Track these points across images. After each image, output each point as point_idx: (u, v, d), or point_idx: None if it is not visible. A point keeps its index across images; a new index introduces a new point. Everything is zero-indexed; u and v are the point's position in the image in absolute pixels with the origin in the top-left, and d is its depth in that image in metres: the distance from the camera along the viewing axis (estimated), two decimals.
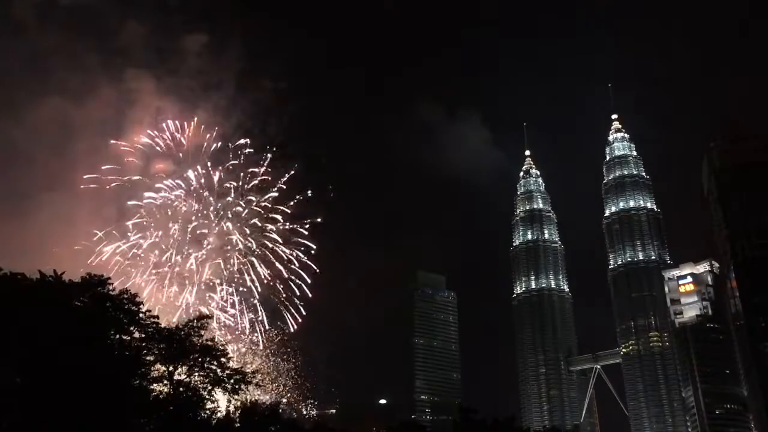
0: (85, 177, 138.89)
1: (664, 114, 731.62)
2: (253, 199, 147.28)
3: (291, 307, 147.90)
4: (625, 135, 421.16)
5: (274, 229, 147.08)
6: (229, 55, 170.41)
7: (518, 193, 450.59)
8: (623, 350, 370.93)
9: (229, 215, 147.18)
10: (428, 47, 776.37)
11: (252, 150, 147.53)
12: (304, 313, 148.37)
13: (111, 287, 57.42)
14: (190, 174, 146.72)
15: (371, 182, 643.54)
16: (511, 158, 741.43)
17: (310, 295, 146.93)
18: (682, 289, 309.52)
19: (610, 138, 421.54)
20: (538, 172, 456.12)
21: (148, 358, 58.46)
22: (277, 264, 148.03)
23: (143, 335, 58.78)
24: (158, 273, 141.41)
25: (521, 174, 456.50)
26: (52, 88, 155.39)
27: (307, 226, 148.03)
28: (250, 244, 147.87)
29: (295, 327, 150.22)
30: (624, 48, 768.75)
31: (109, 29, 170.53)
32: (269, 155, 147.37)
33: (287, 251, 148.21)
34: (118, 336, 56.94)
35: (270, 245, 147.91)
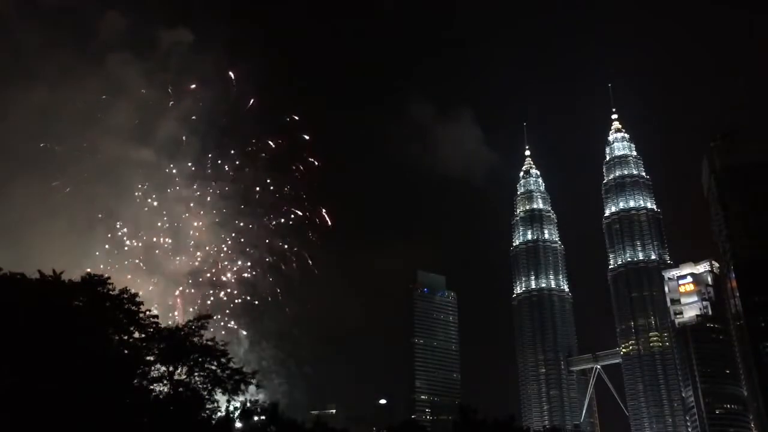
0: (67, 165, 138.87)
1: (664, 114, 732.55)
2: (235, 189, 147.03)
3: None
4: (625, 135, 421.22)
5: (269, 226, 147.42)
6: (214, 52, 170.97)
7: (518, 192, 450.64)
8: (623, 350, 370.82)
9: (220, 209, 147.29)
10: (427, 47, 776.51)
11: (240, 149, 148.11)
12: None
13: (111, 287, 57.36)
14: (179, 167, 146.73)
15: (370, 182, 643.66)
16: (510, 158, 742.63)
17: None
18: (682, 289, 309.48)
19: (610, 138, 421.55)
20: (538, 172, 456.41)
21: (148, 358, 58.37)
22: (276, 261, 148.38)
23: (143, 335, 58.70)
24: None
25: (521, 174, 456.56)
26: (34, 79, 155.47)
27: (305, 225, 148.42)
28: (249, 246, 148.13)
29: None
30: (624, 48, 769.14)
31: (91, 23, 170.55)
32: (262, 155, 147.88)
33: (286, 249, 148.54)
34: (118, 336, 56.90)
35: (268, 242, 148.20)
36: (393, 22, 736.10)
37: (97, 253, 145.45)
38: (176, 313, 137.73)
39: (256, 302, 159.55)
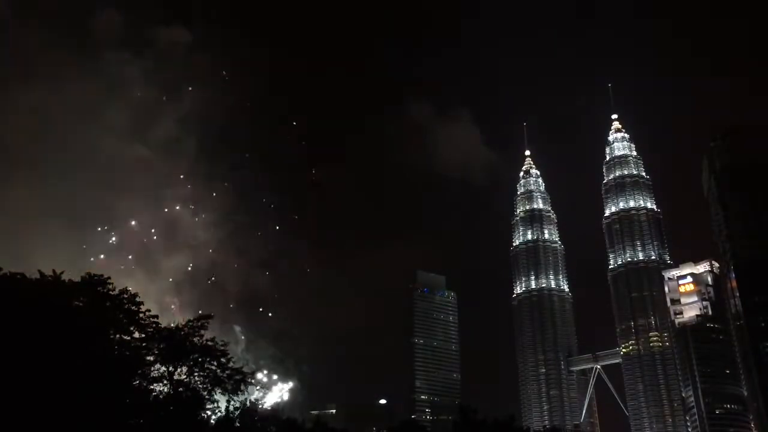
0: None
1: (664, 114, 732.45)
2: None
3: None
4: (625, 135, 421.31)
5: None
6: (212, 51, 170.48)
7: (518, 193, 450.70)
8: (623, 350, 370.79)
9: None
10: (427, 47, 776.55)
11: (237, 149, 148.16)
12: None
13: (111, 287, 57.31)
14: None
15: (369, 183, 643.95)
16: (510, 158, 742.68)
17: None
18: (682, 289, 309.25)
19: (610, 138, 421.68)
20: (538, 172, 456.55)
21: (148, 358, 58.33)
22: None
23: (143, 335, 58.67)
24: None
25: (521, 174, 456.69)
26: (31, 78, 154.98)
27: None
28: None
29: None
30: (624, 48, 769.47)
31: (89, 22, 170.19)
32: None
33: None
34: (118, 336, 56.86)
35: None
36: (393, 21, 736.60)
37: (95, 252, 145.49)
38: (173, 312, 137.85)
39: (255, 301, 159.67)
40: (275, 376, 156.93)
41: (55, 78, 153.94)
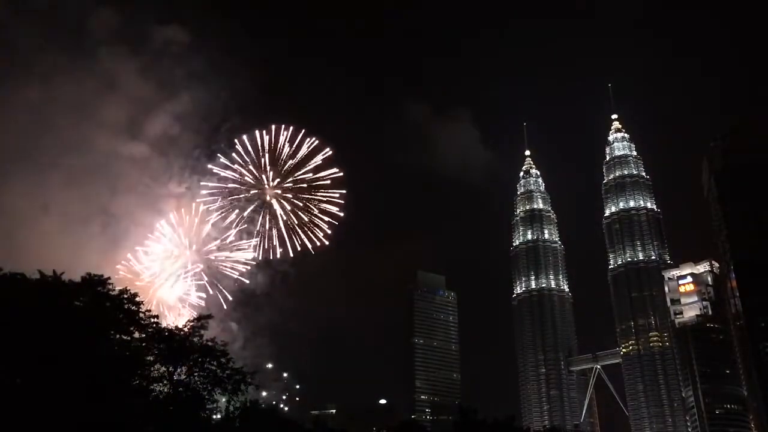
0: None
1: (664, 114, 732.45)
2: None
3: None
4: (625, 135, 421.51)
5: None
6: (209, 49, 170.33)
7: (518, 193, 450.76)
8: (623, 350, 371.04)
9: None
10: (426, 47, 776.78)
11: (234, 146, 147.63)
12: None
13: (111, 287, 57.32)
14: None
15: (369, 183, 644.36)
16: (510, 158, 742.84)
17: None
18: (682, 289, 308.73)
19: (610, 138, 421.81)
20: (538, 172, 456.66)
21: (148, 358, 58.36)
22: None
23: (143, 335, 58.70)
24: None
25: (521, 174, 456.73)
26: (28, 76, 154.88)
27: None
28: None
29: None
30: (624, 48, 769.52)
31: (86, 20, 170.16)
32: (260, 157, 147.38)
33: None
34: (118, 336, 56.88)
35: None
36: (392, 21, 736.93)
37: (94, 252, 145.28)
38: (167, 312, 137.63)
39: (253, 299, 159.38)
40: (276, 375, 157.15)
41: (52, 76, 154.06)
